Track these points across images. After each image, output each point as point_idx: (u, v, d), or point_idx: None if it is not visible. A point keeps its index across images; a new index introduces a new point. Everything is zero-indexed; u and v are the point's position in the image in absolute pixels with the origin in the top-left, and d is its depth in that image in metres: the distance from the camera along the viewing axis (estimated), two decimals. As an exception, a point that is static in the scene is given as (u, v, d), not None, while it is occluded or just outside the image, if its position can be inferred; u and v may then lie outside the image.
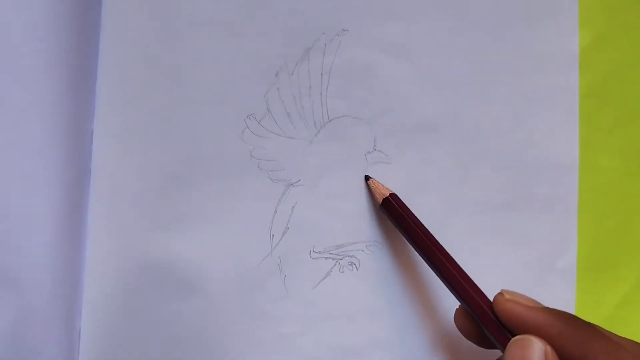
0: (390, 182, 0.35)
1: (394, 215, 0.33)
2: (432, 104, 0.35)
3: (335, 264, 0.34)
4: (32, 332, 0.32)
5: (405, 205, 0.33)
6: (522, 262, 0.35)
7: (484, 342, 0.31)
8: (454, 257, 0.33)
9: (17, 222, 0.32)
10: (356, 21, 0.35)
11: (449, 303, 0.34)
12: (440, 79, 0.35)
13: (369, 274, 0.35)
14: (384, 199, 0.33)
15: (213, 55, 0.34)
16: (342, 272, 0.34)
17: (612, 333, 0.28)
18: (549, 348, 0.27)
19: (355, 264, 0.35)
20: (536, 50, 0.35)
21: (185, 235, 0.34)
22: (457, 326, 0.31)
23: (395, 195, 0.33)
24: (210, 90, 0.34)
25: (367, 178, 0.34)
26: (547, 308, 0.29)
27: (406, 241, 0.34)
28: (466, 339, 0.31)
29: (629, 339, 0.28)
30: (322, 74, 0.35)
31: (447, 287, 0.31)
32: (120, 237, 0.34)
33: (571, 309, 0.35)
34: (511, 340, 0.28)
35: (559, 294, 0.35)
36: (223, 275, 0.34)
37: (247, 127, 0.34)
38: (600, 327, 0.28)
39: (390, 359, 0.34)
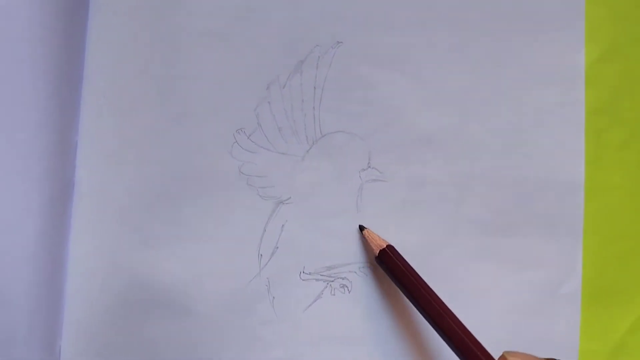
0: (385, 201, 0.33)
1: (391, 268, 0.31)
2: (431, 119, 0.33)
3: (327, 286, 0.33)
4: (11, 351, 0.31)
5: (402, 258, 0.32)
6: (524, 286, 0.33)
7: None
8: (452, 279, 0.33)
9: None
10: (351, 33, 0.33)
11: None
12: (439, 93, 0.34)
13: (362, 296, 0.33)
14: (380, 251, 0.32)
15: (204, 67, 0.33)
16: (334, 294, 0.33)
17: None
18: None
19: (347, 286, 0.33)
20: (541, 64, 0.34)
21: (172, 254, 0.33)
22: None
23: (392, 247, 0.32)
24: (200, 102, 0.33)
25: (361, 228, 0.33)
26: None
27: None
28: None
29: None
30: (315, 87, 0.33)
31: (449, 345, 0.29)
32: (104, 254, 0.33)
33: (575, 336, 0.33)
34: None
35: (563, 320, 0.33)
36: (211, 295, 0.32)
37: (237, 141, 0.33)
38: None
39: (383, 386, 0.33)
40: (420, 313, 0.30)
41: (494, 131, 0.34)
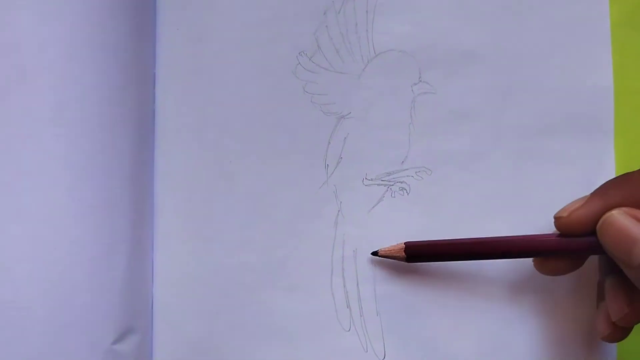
0: (436, 112, 0.37)
1: (426, 256, 0.34)
2: (473, 36, 0.37)
3: (387, 190, 0.37)
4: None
5: (425, 242, 0.34)
6: (563, 182, 0.36)
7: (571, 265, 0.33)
8: (498, 179, 0.36)
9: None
10: (397, -40, 0.37)
11: (497, 224, 0.36)
12: (478, 11, 0.37)
13: (420, 198, 0.37)
14: (405, 251, 0.34)
15: (265, -4, 0.36)
16: (394, 197, 0.37)
17: None
18: (623, 209, 0.30)
19: (405, 189, 0.37)
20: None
21: (245, 168, 0.36)
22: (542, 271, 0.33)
23: (409, 242, 0.35)
24: (262, 30, 0.37)
25: (374, 254, 0.35)
26: (598, 189, 0.32)
27: (454, 166, 0.36)
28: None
29: None
30: (367, 11, 0.37)
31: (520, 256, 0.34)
32: (186, 179, 0.37)
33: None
34: (597, 231, 0.30)
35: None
36: (284, 203, 0.36)
37: (300, 63, 0.36)
38: None
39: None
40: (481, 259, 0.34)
41: (529, 44, 0.37)
